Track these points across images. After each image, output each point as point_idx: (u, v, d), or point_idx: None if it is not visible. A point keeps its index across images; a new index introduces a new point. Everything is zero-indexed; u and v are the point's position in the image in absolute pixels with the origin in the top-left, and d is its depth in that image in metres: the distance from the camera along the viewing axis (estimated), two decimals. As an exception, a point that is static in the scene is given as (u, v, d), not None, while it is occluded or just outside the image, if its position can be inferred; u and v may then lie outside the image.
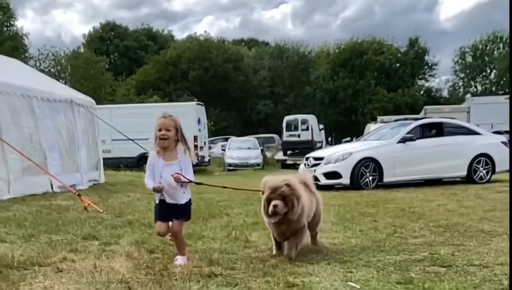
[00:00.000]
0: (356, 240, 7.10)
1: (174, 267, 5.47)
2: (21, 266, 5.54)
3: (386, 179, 16.20)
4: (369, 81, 61.85)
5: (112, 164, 23.14)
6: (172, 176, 5.56)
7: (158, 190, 5.66)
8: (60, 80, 38.36)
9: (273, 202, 5.67)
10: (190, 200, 5.82)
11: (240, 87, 66.28)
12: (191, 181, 5.75)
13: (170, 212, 5.71)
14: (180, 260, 5.69)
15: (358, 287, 4.68)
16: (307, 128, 37.94)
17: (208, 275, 5.14)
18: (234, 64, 65.91)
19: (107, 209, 10.00)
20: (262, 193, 5.86)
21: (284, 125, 38.71)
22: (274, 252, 6.10)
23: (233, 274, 5.23)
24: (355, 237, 7.37)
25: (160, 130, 5.64)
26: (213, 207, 10.83)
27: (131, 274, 5.16)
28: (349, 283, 4.82)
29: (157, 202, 5.78)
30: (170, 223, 5.75)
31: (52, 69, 49.13)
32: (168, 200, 5.67)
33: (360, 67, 62.17)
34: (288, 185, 5.74)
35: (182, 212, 5.74)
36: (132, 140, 17.45)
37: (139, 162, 24.27)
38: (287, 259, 5.74)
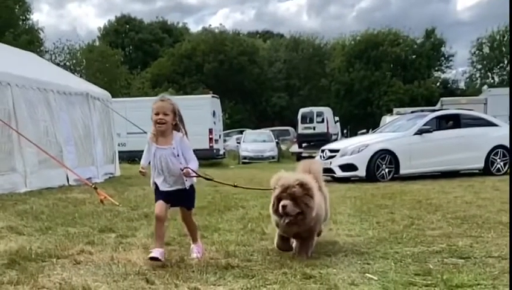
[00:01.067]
0: (373, 231, 7.06)
1: (191, 259, 5.47)
2: (39, 258, 5.58)
3: (402, 171, 16.13)
4: (384, 73, 61.40)
5: (127, 157, 23.21)
6: (181, 170, 5.38)
7: (142, 173, 5.55)
8: (75, 74, 38.50)
9: (282, 202, 5.30)
10: (193, 186, 5.57)
11: (255, 80, 66.20)
12: (199, 176, 5.61)
13: (170, 196, 5.46)
14: (195, 251, 5.61)
15: (375, 278, 4.64)
16: (322, 121, 37.84)
17: (225, 267, 5.14)
18: (249, 57, 65.79)
19: (123, 202, 10.04)
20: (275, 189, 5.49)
21: (299, 117, 38.62)
22: (275, 245, 5.81)
23: (250, 266, 5.22)
24: (372, 228, 7.33)
25: (157, 114, 5.40)
26: (228, 200, 10.82)
27: (148, 266, 5.16)
28: (367, 274, 4.79)
29: (152, 187, 5.59)
30: (171, 207, 5.55)
31: (68, 63, 49.37)
32: (166, 188, 5.46)
33: (376, 59, 61.76)
34: (301, 185, 5.34)
35: (185, 198, 5.55)
36: (147, 133, 17.48)
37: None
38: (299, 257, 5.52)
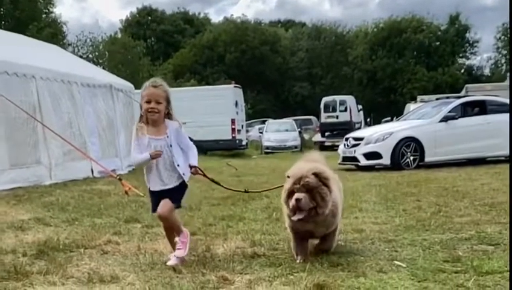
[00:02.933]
0: (400, 219, 7.00)
1: (217, 249, 5.47)
2: (67, 249, 5.62)
3: (427, 159, 16.00)
4: (408, 61, 60.99)
5: (151, 148, 23.28)
6: (190, 166, 4.98)
7: (157, 156, 4.85)
8: (98, 66, 38.71)
9: (296, 195, 4.65)
10: (185, 183, 5.04)
11: (277, 70, 66.11)
12: (205, 176, 5.26)
13: (163, 197, 4.98)
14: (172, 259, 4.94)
15: (404, 265, 4.59)
16: (345, 109, 37.53)
17: (251, 256, 5.13)
18: (271, 46, 65.72)
19: (147, 193, 10.05)
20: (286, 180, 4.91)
21: (322, 106, 38.33)
22: (298, 260, 4.89)
23: (276, 255, 5.21)
24: (399, 216, 7.27)
25: (149, 101, 4.86)
26: (252, 189, 10.79)
27: (174, 256, 5.16)
28: (395, 261, 4.74)
29: (150, 188, 5.09)
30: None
31: (90, 55, 49.63)
32: (160, 187, 4.99)
33: (399, 46, 61.34)
34: (316, 175, 4.72)
35: (175, 193, 4.98)
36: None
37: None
38: (325, 251, 5.10)
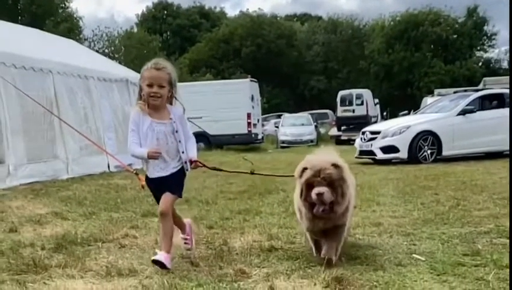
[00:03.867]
0: (418, 213, 6.95)
1: (234, 242, 5.45)
2: (85, 242, 5.65)
3: (445, 153, 15.87)
4: (425, 54, 60.49)
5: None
6: (190, 161, 4.73)
7: (154, 157, 4.52)
8: (114, 61, 38.86)
9: (317, 189, 4.22)
10: (183, 169, 4.75)
11: (293, 64, 65.96)
12: (206, 166, 5.06)
13: (163, 187, 4.69)
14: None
15: (423, 259, 4.56)
16: (362, 103, 37.32)
17: (268, 249, 5.11)
18: (287, 40, 65.59)
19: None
20: (300, 176, 4.42)
21: (338, 100, 38.15)
22: (315, 255, 4.73)
23: (293, 248, 5.19)
24: (417, 209, 7.22)
25: (150, 85, 4.52)
26: (269, 183, 10.77)
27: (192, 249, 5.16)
28: (414, 255, 4.71)
29: (149, 176, 4.78)
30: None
31: (106, 50, 49.82)
32: (157, 173, 4.68)
33: (416, 39, 60.88)
34: (337, 167, 4.31)
35: (174, 182, 4.68)
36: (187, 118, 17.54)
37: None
38: (327, 262, 4.41)
